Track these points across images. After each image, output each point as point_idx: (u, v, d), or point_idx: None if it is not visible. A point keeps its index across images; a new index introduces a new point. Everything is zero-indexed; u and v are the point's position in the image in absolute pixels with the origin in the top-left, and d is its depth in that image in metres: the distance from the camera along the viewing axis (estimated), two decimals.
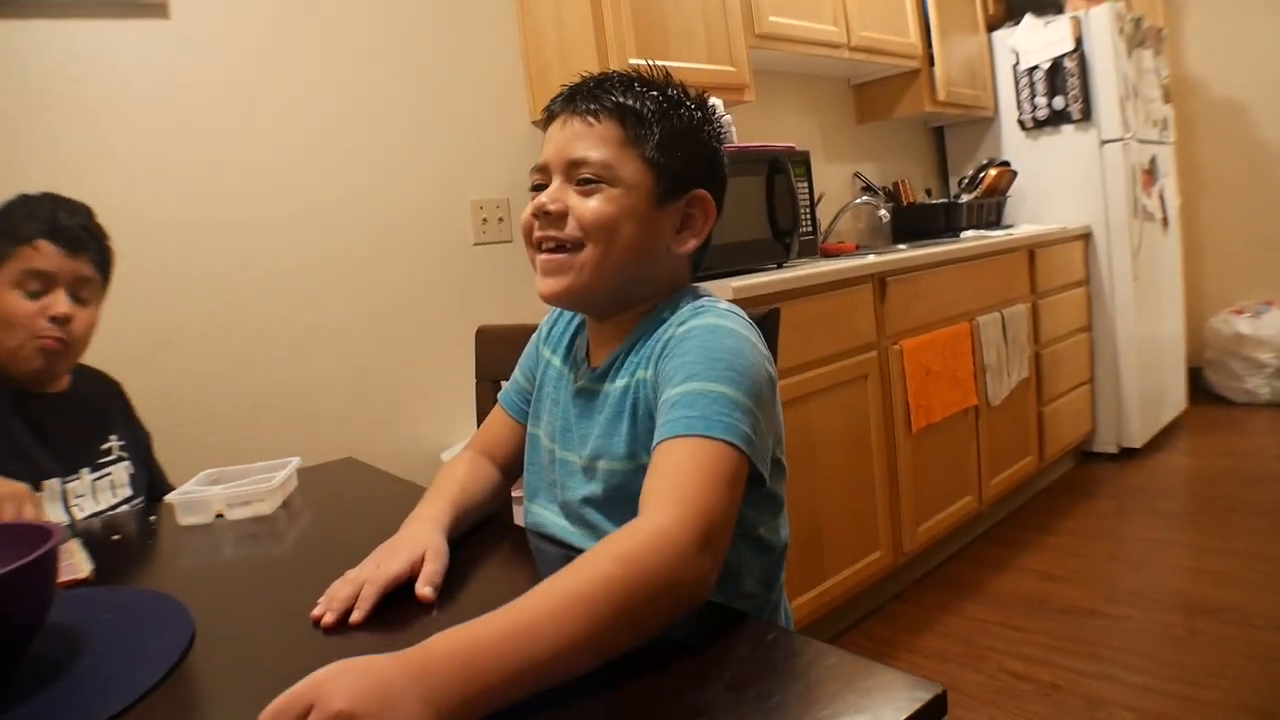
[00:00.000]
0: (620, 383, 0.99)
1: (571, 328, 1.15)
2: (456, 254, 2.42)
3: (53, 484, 1.39)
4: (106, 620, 0.87)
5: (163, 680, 0.73)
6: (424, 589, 0.85)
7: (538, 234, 0.99)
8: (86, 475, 1.44)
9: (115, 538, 1.25)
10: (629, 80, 1.00)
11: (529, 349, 1.23)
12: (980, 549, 3.01)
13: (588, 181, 0.96)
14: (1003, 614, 2.52)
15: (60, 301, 1.38)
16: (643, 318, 1.02)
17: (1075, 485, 3.59)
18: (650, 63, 1.06)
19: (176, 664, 0.76)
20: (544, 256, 0.99)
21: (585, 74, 1.04)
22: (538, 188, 1.01)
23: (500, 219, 2.48)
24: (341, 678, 0.59)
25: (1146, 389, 3.80)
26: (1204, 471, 3.63)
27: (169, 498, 1.31)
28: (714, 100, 2.58)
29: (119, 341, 1.54)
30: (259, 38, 2.09)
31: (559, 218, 0.96)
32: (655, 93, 0.99)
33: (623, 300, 1.02)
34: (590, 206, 0.95)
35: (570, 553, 0.98)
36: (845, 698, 0.61)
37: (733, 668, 0.66)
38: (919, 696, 0.59)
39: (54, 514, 1.37)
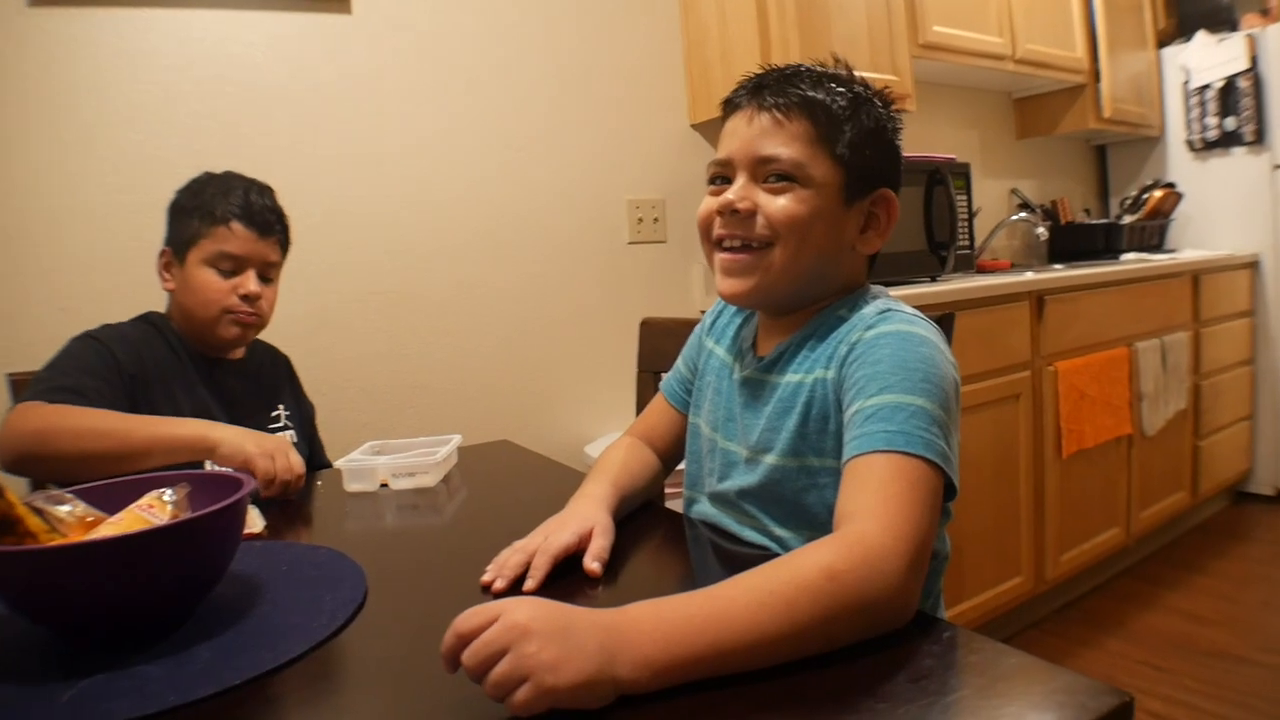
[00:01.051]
0: (793, 377, 0.97)
1: (739, 318, 1.14)
2: (611, 251, 2.46)
3: None
4: (284, 572, 0.92)
5: (338, 631, 0.76)
6: (592, 564, 0.86)
7: (721, 231, 0.97)
8: None
9: (286, 500, 1.30)
10: (818, 75, 0.98)
11: (692, 339, 1.23)
12: (1125, 584, 2.90)
13: (778, 179, 0.94)
14: (1145, 652, 2.42)
15: (251, 281, 1.45)
16: (818, 313, 1.00)
17: (1228, 526, 3.41)
18: (836, 56, 1.04)
19: (351, 617, 0.79)
20: (727, 255, 0.97)
21: (767, 66, 1.02)
22: (718, 180, 0.99)
23: (655, 219, 2.51)
24: (531, 604, 0.63)
25: None
26: None
27: (337, 463, 1.37)
28: None
29: (285, 320, 1.61)
30: (432, 34, 2.17)
31: (747, 216, 0.94)
32: (844, 89, 0.97)
33: (804, 299, 1.00)
34: (781, 206, 0.93)
35: (730, 544, 0.99)
36: (1027, 697, 0.61)
37: (913, 662, 0.65)
38: (1106, 702, 0.57)
39: None
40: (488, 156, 2.25)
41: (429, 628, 0.67)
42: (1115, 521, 2.82)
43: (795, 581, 0.67)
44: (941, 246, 2.45)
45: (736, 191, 0.95)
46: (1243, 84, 3.49)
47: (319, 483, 1.41)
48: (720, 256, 0.99)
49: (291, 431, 1.58)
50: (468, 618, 0.61)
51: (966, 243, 2.57)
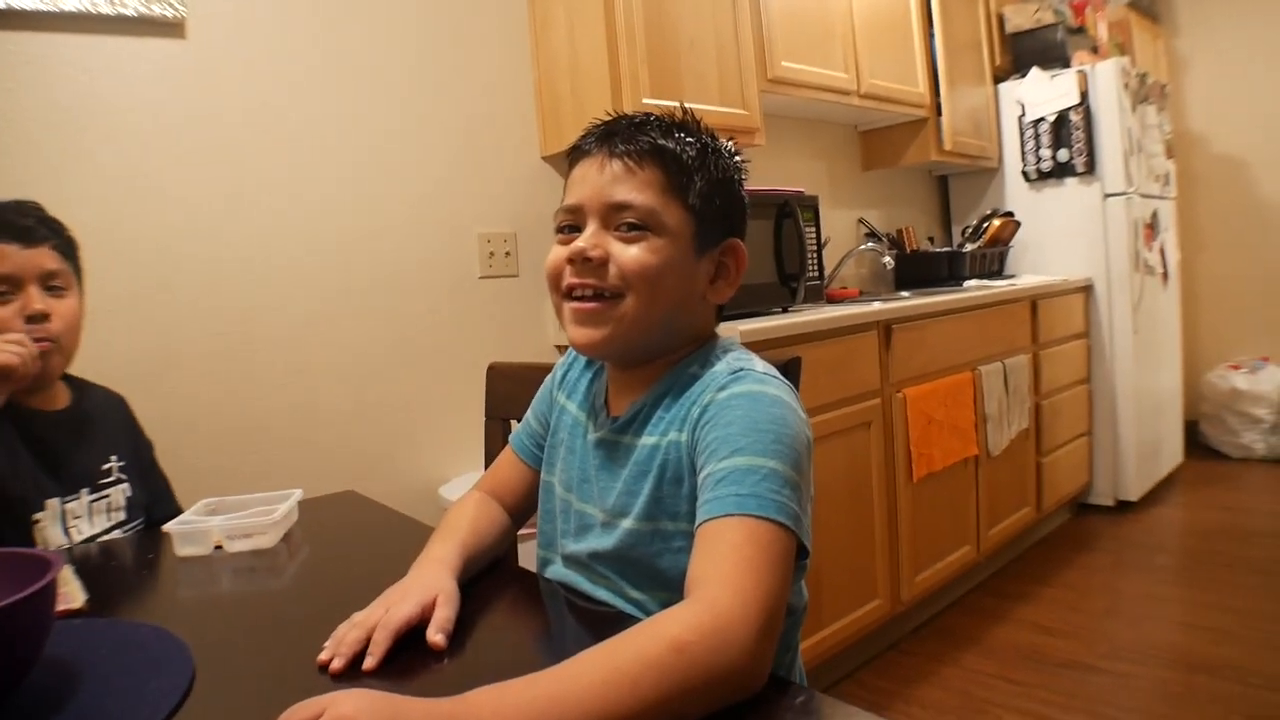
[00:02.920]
0: (648, 439, 0.96)
1: (589, 374, 1.11)
2: (462, 287, 2.41)
3: (53, 504, 1.35)
4: (105, 654, 0.85)
5: None
6: (436, 636, 0.82)
7: (572, 280, 0.95)
8: (85, 496, 1.41)
9: (111, 564, 1.22)
10: (667, 124, 0.97)
11: (542, 392, 1.19)
12: (977, 600, 3.00)
13: (630, 228, 0.92)
14: (999, 666, 2.50)
15: (34, 299, 1.34)
16: (669, 369, 0.99)
17: (1072, 537, 3.58)
18: (683, 106, 1.03)
19: (178, 705, 0.73)
20: (577, 305, 0.95)
21: (614, 113, 1.01)
22: (566, 229, 0.97)
23: (507, 253, 2.48)
24: (359, 697, 0.60)
25: (1143, 442, 3.80)
26: (1200, 526, 3.63)
27: (167, 527, 1.27)
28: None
29: (122, 360, 1.52)
30: (272, 64, 2.09)
31: (599, 265, 0.92)
32: (693, 139, 0.97)
33: (655, 350, 0.99)
34: (634, 255, 0.92)
35: (585, 603, 0.96)
36: None
37: None
38: None
39: (54, 536, 1.34)
40: (330, 192, 2.17)
41: (265, 715, 0.62)
42: (966, 540, 2.91)
43: (642, 658, 0.65)
44: (792, 278, 2.49)
45: (588, 239, 0.93)
46: (1074, 117, 3.70)
47: (150, 556, 1.30)
48: (571, 306, 0.96)
49: (125, 485, 1.47)
50: (291, 714, 0.59)
51: (816, 273, 2.63)
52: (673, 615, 0.70)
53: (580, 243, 0.93)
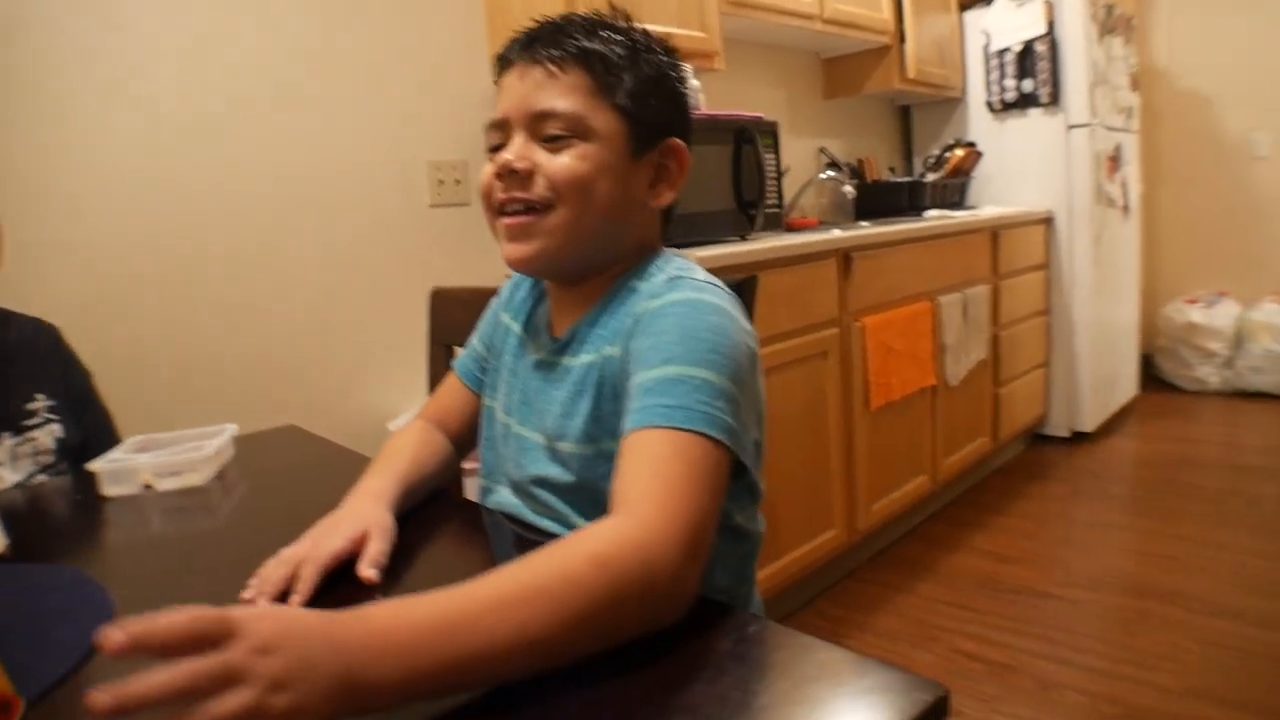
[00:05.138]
0: (584, 358, 0.92)
1: (535, 294, 1.08)
2: (412, 216, 2.34)
3: None
4: (17, 603, 0.81)
5: (71, 673, 0.65)
6: (367, 570, 0.78)
7: (501, 196, 0.91)
8: (7, 439, 1.34)
9: (38, 507, 1.17)
10: (592, 24, 0.92)
11: (488, 314, 1.15)
12: (933, 529, 3.02)
13: (557, 138, 0.88)
14: (955, 594, 2.53)
15: None
16: (611, 284, 0.95)
17: (1027, 468, 3.62)
18: (613, 4, 0.99)
19: (89, 654, 0.68)
20: (509, 220, 0.91)
21: (541, 18, 0.95)
22: (496, 148, 0.92)
23: (458, 181, 2.41)
24: (277, 620, 0.53)
25: (1100, 374, 3.84)
26: (1153, 457, 3.68)
27: (92, 466, 1.21)
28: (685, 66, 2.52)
29: (53, 297, 1.45)
30: None
31: (526, 177, 0.88)
32: (621, 37, 0.92)
33: (594, 264, 0.95)
34: (561, 164, 0.87)
35: (530, 534, 0.93)
36: (838, 699, 0.57)
37: (714, 664, 0.61)
38: (920, 699, 0.53)
39: None
40: (273, 120, 2.08)
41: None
42: (922, 469, 2.92)
43: (562, 575, 0.61)
44: (750, 205, 2.45)
45: (514, 151, 0.89)
46: (1040, 48, 3.65)
47: (78, 497, 1.25)
48: (503, 222, 0.92)
49: (55, 426, 1.40)
50: (180, 622, 0.49)
51: (775, 201, 2.58)
52: (594, 530, 0.67)
53: (506, 154, 0.89)
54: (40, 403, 1.40)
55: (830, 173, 3.48)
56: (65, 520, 1.17)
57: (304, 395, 2.15)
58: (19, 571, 0.91)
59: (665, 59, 0.95)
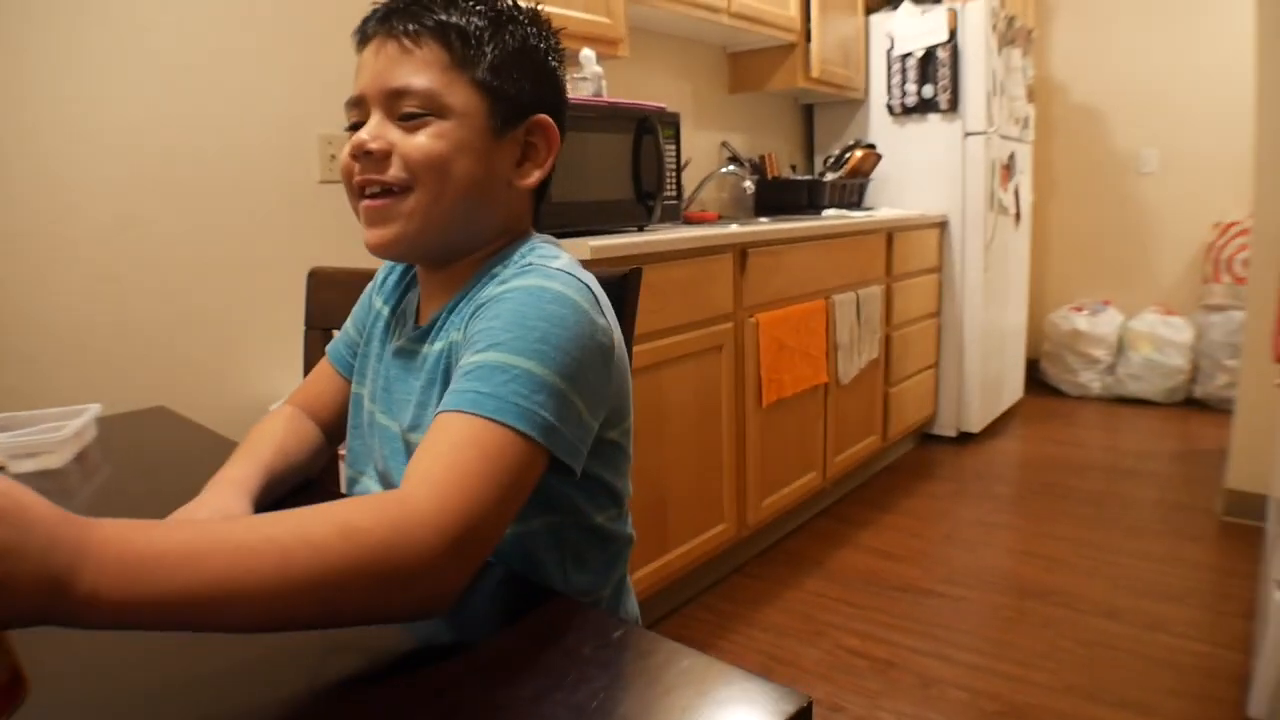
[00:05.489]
0: (437, 346, 0.89)
1: (406, 279, 1.03)
2: (299, 191, 2.24)
3: None
4: None
5: None
6: None
7: (359, 178, 0.87)
8: None
9: None
10: None
11: (363, 298, 1.10)
12: (822, 525, 3.06)
13: (412, 116, 0.84)
14: (841, 590, 2.56)
15: None
16: (476, 269, 0.91)
17: (915, 466, 3.69)
18: None
19: None
20: (367, 203, 0.87)
21: None
22: (355, 126, 0.88)
23: None
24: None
25: (987, 377, 3.94)
26: (1036, 459, 3.78)
27: None
28: (587, 51, 2.46)
29: None
30: None
31: (381, 158, 0.84)
32: (482, 7, 0.87)
33: (458, 247, 0.91)
34: (417, 143, 0.84)
35: None
36: (700, 710, 0.54)
37: (572, 669, 0.58)
38: (783, 709, 0.53)
39: None
40: (156, 78, 1.97)
41: (30, 650, 0.52)
42: (813, 465, 2.95)
43: (303, 534, 0.58)
44: (649, 196, 2.42)
45: (369, 130, 0.85)
46: (942, 54, 3.72)
47: None
48: (361, 205, 0.88)
49: None
50: None
51: (674, 193, 2.56)
52: (357, 502, 0.63)
53: (361, 134, 0.85)
54: None
55: (731, 167, 3.49)
56: None
57: (176, 375, 2.04)
58: None
59: (533, 30, 0.91)
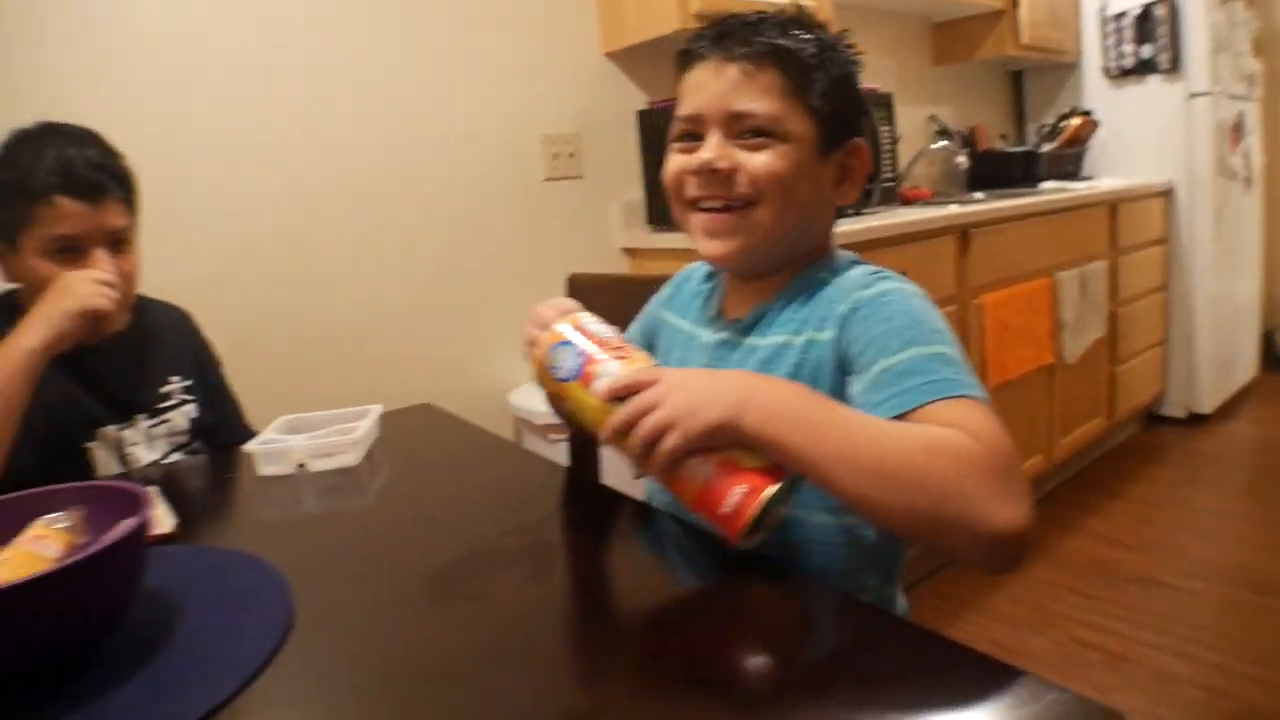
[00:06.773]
0: (776, 338, 0.94)
1: (705, 287, 1.10)
2: (527, 189, 2.34)
3: (107, 431, 1.30)
4: (199, 586, 0.81)
5: (271, 658, 0.67)
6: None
7: (697, 192, 0.94)
8: (142, 422, 1.35)
9: (193, 486, 1.20)
10: (783, 22, 0.93)
11: (650, 309, 1.19)
12: (1046, 510, 2.93)
13: (754, 136, 0.90)
14: (1071, 579, 2.46)
15: (101, 262, 1.23)
16: (794, 275, 0.97)
17: (1143, 449, 3.50)
18: (796, 3, 1.01)
19: (283, 639, 0.70)
20: (709, 216, 0.94)
21: (723, 13, 0.97)
22: (686, 137, 0.95)
23: (571, 154, 2.40)
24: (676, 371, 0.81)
25: (1219, 353, 3.69)
26: (1273, 442, 3.52)
27: (248, 447, 1.23)
28: None
29: (174, 279, 1.45)
30: None
31: (727, 176, 0.91)
32: (810, 36, 0.93)
33: (784, 258, 0.97)
34: (762, 163, 0.89)
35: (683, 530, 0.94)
36: None
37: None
38: None
39: (106, 464, 1.30)
40: (389, 93, 2.10)
41: (367, 638, 0.59)
42: (1037, 449, 2.85)
43: (942, 444, 0.71)
44: (867, 179, 2.39)
45: (714, 150, 0.91)
46: (1160, 11, 3.49)
47: (231, 475, 1.29)
48: (701, 218, 0.95)
49: (189, 407, 1.41)
50: (623, 377, 0.80)
51: (891, 174, 2.52)
52: (943, 430, 0.73)
53: (706, 154, 0.91)
54: (175, 384, 1.41)
55: (942, 142, 3.39)
56: (223, 500, 1.21)
57: (428, 370, 2.18)
58: (196, 553, 0.92)
59: (848, 56, 0.96)
